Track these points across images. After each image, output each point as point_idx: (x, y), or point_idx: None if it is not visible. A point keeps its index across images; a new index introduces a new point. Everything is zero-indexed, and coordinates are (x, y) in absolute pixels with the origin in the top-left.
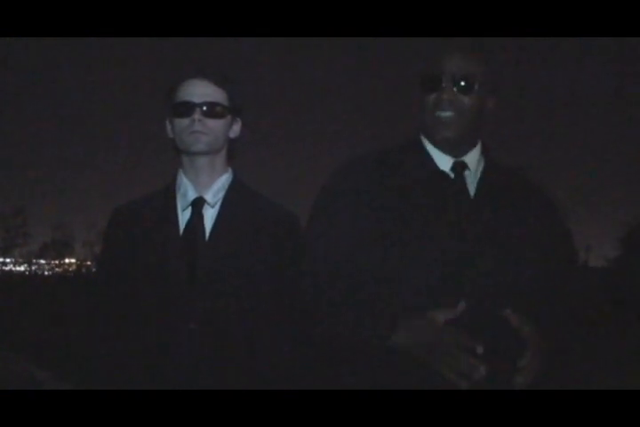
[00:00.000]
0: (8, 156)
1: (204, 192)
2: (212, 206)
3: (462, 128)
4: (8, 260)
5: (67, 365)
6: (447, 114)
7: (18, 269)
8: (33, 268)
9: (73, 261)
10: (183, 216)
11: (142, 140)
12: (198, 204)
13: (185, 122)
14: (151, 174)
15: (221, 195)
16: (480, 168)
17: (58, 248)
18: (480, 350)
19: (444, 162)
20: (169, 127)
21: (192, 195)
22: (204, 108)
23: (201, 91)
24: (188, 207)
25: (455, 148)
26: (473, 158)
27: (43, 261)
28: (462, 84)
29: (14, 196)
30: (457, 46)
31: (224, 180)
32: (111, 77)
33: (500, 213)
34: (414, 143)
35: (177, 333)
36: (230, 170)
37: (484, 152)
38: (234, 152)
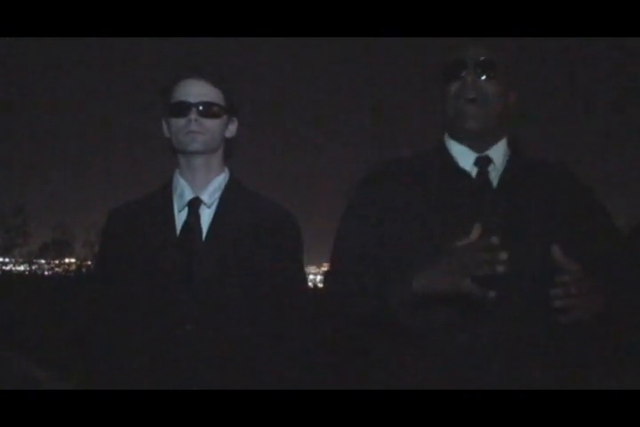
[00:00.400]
0: (8, 156)
1: (200, 192)
2: (209, 207)
3: (486, 114)
4: (7, 260)
5: (66, 365)
6: (471, 99)
7: (18, 268)
8: (33, 267)
9: (73, 260)
10: (180, 217)
11: (142, 140)
12: (195, 204)
13: (181, 122)
14: (151, 174)
15: (218, 195)
16: (505, 162)
17: (58, 248)
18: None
19: (466, 158)
20: (165, 127)
21: (188, 195)
22: (201, 107)
23: (197, 90)
24: (184, 208)
25: (480, 139)
26: (498, 152)
27: (43, 261)
28: (485, 70)
29: (14, 196)
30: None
31: (221, 180)
32: (111, 78)
33: (525, 205)
34: (438, 144)
35: (174, 334)
36: (227, 170)
37: (511, 146)
38: (230, 152)
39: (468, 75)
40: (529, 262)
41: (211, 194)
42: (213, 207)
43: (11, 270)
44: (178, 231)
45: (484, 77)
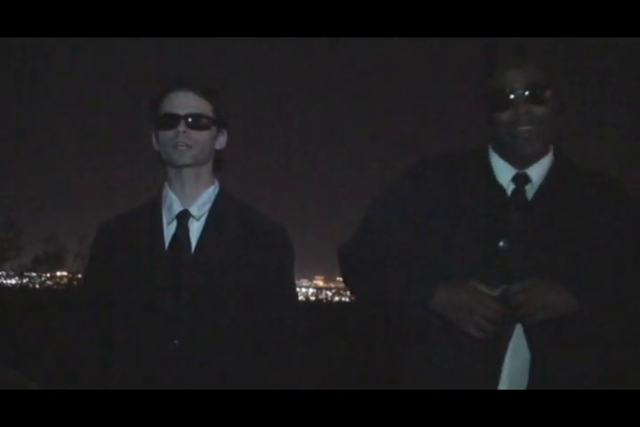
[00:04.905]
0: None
1: (189, 205)
2: (198, 220)
3: (543, 140)
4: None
5: (55, 378)
6: (527, 128)
7: (9, 282)
8: (24, 281)
9: (64, 273)
10: (169, 230)
11: (134, 152)
12: (183, 217)
13: (169, 134)
14: (143, 187)
15: (207, 208)
16: (545, 176)
17: (50, 261)
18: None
19: (505, 173)
20: (154, 140)
21: (177, 208)
22: (189, 119)
23: (185, 102)
24: (173, 221)
25: (521, 157)
26: (539, 169)
27: (34, 274)
28: (536, 95)
29: (6, 208)
30: (523, 57)
31: (210, 192)
32: (102, 90)
33: (556, 225)
34: (480, 152)
35: (162, 348)
36: (217, 182)
37: (557, 159)
38: (220, 164)
39: (521, 104)
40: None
41: (200, 207)
42: (202, 220)
43: (2, 284)
44: (166, 245)
45: (535, 101)
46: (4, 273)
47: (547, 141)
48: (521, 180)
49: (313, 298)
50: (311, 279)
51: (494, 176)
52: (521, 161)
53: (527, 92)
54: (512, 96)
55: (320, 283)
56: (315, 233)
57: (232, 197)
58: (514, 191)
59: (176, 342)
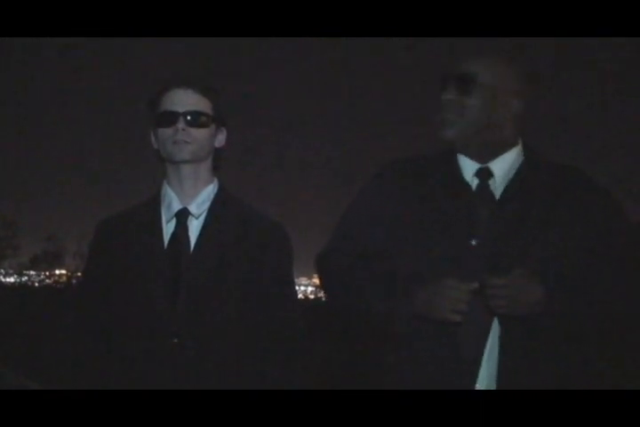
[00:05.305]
0: None
1: (188, 203)
2: (197, 218)
3: (464, 128)
4: None
5: (53, 378)
6: (448, 114)
7: (8, 280)
8: (23, 279)
9: (63, 272)
10: (168, 228)
11: (133, 150)
12: (182, 215)
13: (169, 131)
14: (143, 185)
15: (207, 206)
16: (513, 171)
17: (48, 260)
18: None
19: (468, 169)
20: (153, 138)
21: (176, 206)
22: (188, 117)
23: (185, 100)
24: (172, 219)
25: (480, 152)
26: (503, 164)
27: (33, 273)
28: (462, 84)
29: (4, 207)
30: (467, 49)
31: (209, 190)
32: (102, 90)
33: (525, 219)
34: (449, 151)
35: (161, 347)
36: (216, 180)
37: (524, 153)
38: (220, 162)
39: (449, 91)
40: None
41: (199, 205)
42: (202, 218)
43: (0, 282)
44: (166, 243)
45: (462, 90)
46: (2, 271)
47: (472, 132)
48: (484, 174)
49: (312, 296)
50: (310, 277)
51: (459, 173)
52: (478, 155)
53: (454, 81)
54: (444, 83)
55: (319, 281)
56: (314, 231)
57: (231, 196)
58: (478, 186)
59: (175, 340)
